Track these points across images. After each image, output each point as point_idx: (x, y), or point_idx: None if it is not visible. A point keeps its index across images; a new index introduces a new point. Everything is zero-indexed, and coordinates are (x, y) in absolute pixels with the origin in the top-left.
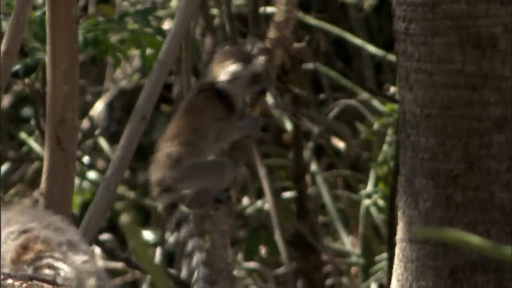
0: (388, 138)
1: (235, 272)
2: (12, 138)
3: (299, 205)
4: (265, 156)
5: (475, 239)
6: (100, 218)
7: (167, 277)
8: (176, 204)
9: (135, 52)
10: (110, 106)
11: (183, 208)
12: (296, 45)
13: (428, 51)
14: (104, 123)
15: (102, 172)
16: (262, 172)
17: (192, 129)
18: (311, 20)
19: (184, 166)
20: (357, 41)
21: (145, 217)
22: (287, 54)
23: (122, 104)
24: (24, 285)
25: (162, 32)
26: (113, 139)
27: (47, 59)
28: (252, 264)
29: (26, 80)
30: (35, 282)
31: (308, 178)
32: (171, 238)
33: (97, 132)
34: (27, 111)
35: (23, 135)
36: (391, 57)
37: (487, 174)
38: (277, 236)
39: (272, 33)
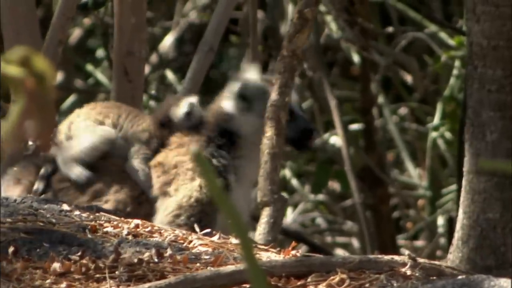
0: (455, 71)
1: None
2: (79, 70)
3: (367, 137)
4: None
5: None
6: None
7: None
8: None
9: None
10: (179, 40)
11: None
12: None
13: None
14: (172, 56)
15: None
16: (332, 103)
17: None
18: None
19: None
20: None
21: None
22: None
23: (191, 38)
24: (91, 216)
25: None
26: (181, 73)
27: None
28: (319, 197)
29: (95, 13)
30: (102, 213)
31: (375, 111)
32: None
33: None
34: (93, 42)
35: (89, 67)
36: None
37: None
38: (347, 168)
39: None
